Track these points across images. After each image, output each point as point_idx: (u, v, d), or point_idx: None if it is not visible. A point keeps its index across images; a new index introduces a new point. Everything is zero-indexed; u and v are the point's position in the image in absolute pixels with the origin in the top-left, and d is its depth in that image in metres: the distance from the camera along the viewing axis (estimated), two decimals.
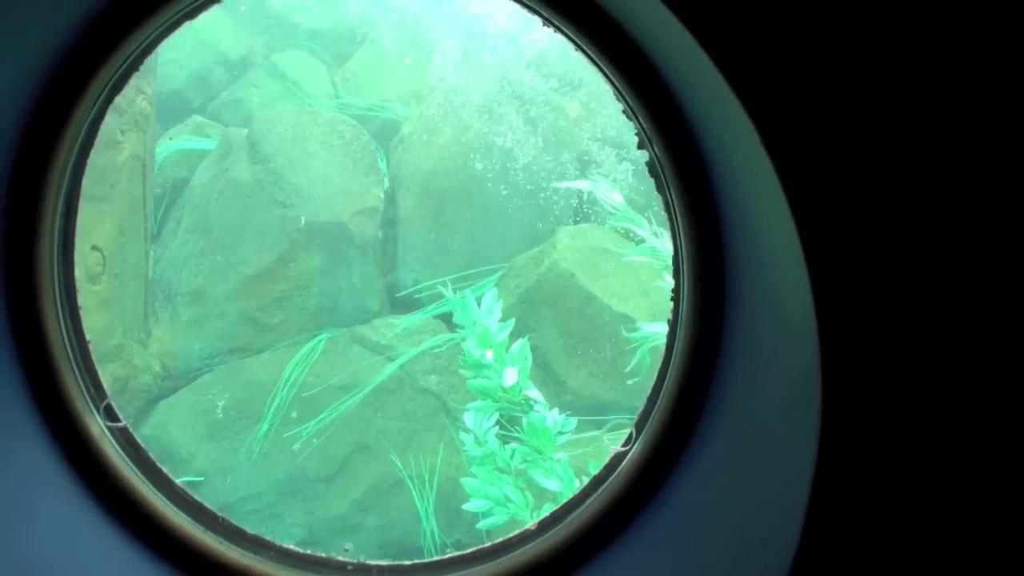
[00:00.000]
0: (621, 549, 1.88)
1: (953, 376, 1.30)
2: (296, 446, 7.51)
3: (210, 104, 9.39)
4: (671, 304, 1.95)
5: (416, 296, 8.21)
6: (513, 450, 6.66)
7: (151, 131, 7.21)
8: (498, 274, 8.24)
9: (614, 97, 1.87)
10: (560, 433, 6.66)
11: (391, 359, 7.83)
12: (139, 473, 1.94)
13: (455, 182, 8.32)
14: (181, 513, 1.95)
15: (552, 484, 6.46)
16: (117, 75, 1.89)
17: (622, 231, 7.76)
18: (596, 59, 1.82)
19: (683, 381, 1.87)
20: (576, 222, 8.57)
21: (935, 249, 1.28)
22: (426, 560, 1.99)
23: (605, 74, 1.83)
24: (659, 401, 1.92)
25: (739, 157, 1.52)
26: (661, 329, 6.66)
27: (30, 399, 1.83)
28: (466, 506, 6.60)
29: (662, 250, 6.94)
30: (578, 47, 1.83)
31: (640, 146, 1.89)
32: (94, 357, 1.98)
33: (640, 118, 1.82)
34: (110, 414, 1.96)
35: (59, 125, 1.80)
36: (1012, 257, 1.28)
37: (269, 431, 7.56)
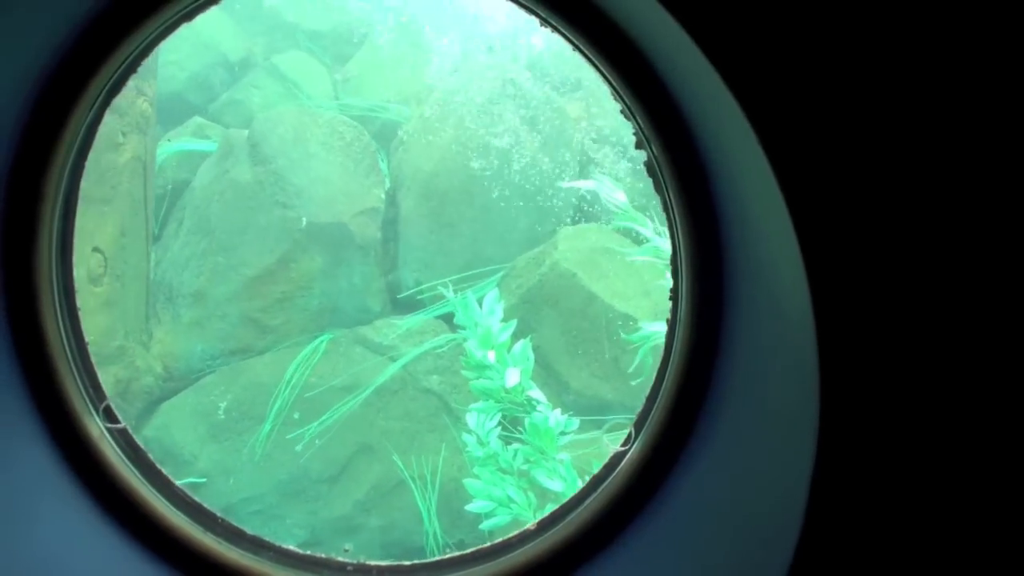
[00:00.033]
0: (620, 549, 1.88)
1: (951, 375, 1.30)
2: (299, 447, 7.51)
3: (211, 105, 9.39)
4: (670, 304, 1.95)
5: (418, 296, 8.21)
6: (516, 451, 6.66)
7: (152, 133, 7.22)
8: (499, 274, 8.24)
9: (612, 97, 1.87)
10: (563, 433, 6.66)
11: (393, 360, 7.83)
12: (138, 474, 1.94)
13: (456, 182, 8.32)
14: (180, 514, 1.95)
15: (555, 484, 6.46)
16: (116, 76, 1.89)
17: (626, 231, 7.75)
18: (593, 59, 1.82)
19: (682, 381, 1.87)
20: (577, 222, 8.57)
21: (932, 248, 1.28)
22: (426, 560, 1.99)
23: (603, 74, 1.83)
24: (658, 401, 1.92)
25: (736, 157, 1.52)
26: (663, 328, 6.65)
27: (29, 400, 1.83)
28: (469, 507, 6.60)
29: (665, 249, 6.93)
30: (575, 47, 1.83)
31: (638, 146, 1.89)
32: (93, 358, 1.98)
33: (638, 118, 1.82)
34: (109, 415, 1.96)
35: (58, 125, 1.80)
36: (1010, 257, 1.27)
37: (271, 432, 7.56)
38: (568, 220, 8.57)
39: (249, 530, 2.01)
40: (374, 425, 7.68)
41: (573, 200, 8.58)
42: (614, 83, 1.82)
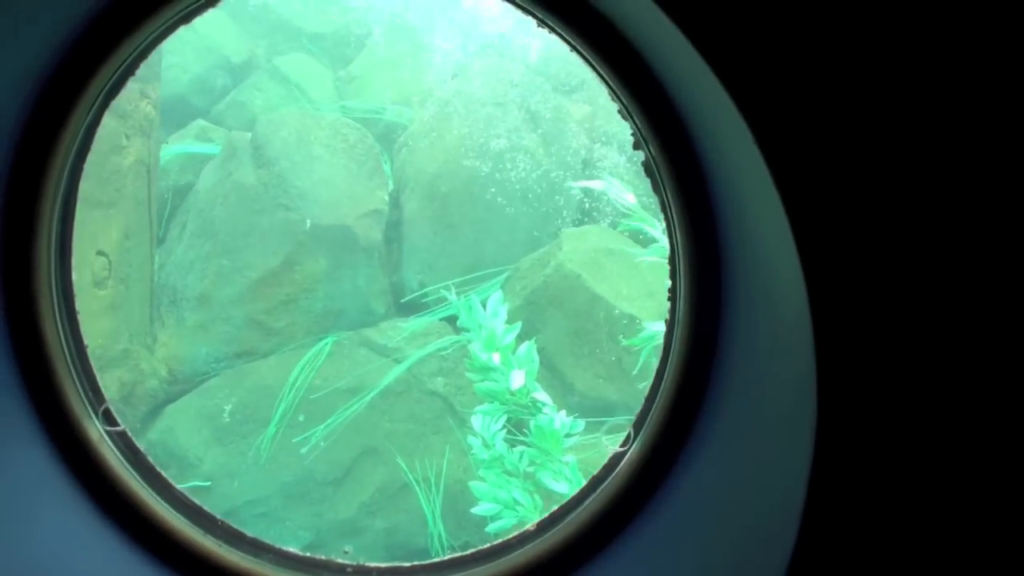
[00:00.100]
0: (620, 549, 1.88)
1: (947, 374, 1.30)
2: (304, 450, 7.52)
3: (213, 108, 9.41)
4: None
5: (422, 299, 8.22)
6: (521, 453, 6.66)
7: (156, 135, 7.23)
8: (503, 276, 8.24)
9: (609, 97, 1.87)
10: (568, 435, 6.66)
11: (397, 362, 7.84)
12: (138, 477, 1.94)
13: (459, 184, 8.33)
14: (180, 516, 1.95)
15: (561, 486, 6.46)
16: (115, 77, 1.89)
17: (629, 231, 7.75)
18: (591, 60, 1.82)
19: (680, 381, 1.86)
20: (581, 223, 8.57)
21: (929, 246, 1.28)
22: (425, 562, 1.99)
23: (600, 74, 1.83)
24: (657, 401, 1.92)
25: (733, 156, 1.52)
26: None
27: (28, 403, 1.83)
28: (474, 509, 6.59)
29: None
30: (572, 48, 1.83)
31: (636, 146, 1.89)
32: (92, 361, 1.98)
33: (635, 118, 1.82)
34: (108, 418, 1.96)
35: (57, 126, 1.80)
36: (1007, 257, 1.27)
37: (276, 435, 7.57)
38: (572, 221, 8.57)
39: (249, 532, 2.01)
40: (379, 427, 7.68)
41: (576, 201, 8.58)
42: (611, 83, 1.82)
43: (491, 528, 6.51)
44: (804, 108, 1.30)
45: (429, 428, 7.74)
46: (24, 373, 1.83)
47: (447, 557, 2.00)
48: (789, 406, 1.44)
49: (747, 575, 1.56)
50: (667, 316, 1.95)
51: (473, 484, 6.63)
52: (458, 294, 7.66)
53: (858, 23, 1.27)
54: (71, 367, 1.90)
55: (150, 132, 7.05)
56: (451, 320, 7.89)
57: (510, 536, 1.99)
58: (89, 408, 1.93)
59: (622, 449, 1.97)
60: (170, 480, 2.00)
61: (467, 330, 7.00)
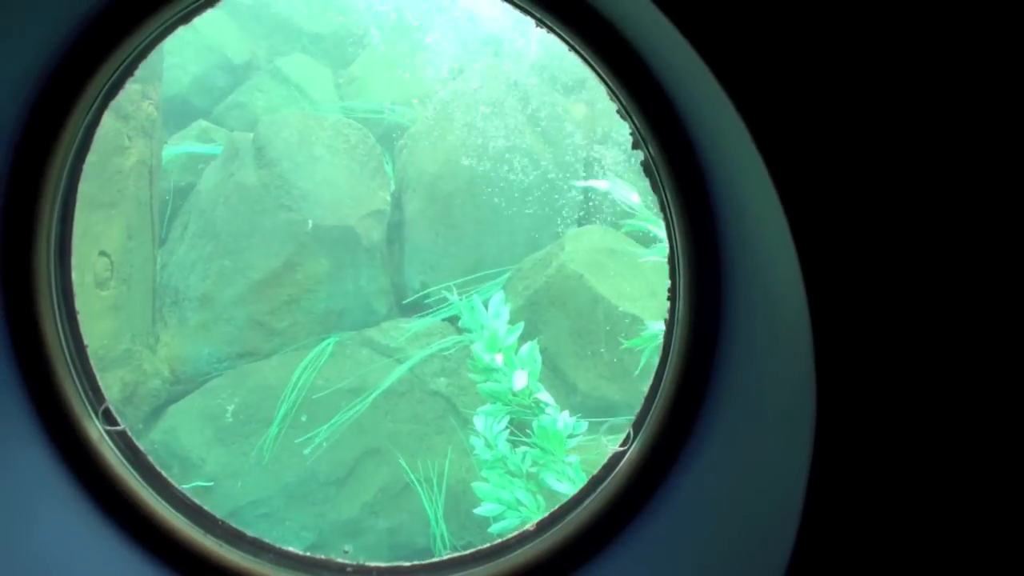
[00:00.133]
0: (619, 549, 1.88)
1: (946, 374, 1.29)
2: (307, 451, 7.52)
3: (214, 108, 9.42)
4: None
5: (424, 299, 8.22)
6: (524, 453, 6.65)
7: (158, 136, 7.24)
8: (505, 276, 8.24)
9: (608, 97, 1.87)
10: (571, 436, 6.65)
11: (400, 362, 7.84)
12: (138, 476, 1.95)
13: (461, 184, 8.33)
14: (180, 516, 1.95)
15: (564, 487, 6.46)
16: (115, 77, 1.89)
17: (631, 231, 7.74)
18: (589, 60, 1.82)
19: (680, 381, 1.86)
20: (583, 223, 8.57)
21: (927, 246, 1.28)
22: (425, 562, 1.99)
23: (598, 74, 1.83)
24: (656, 401, 1.92)
25: (732, 156, 1.51)
26: None
27: (28, 403, 1.83)
28: (477, 510, 6.59)
29: None
30: (571, 48, 1.83)
31: (635, 146, 1.89)
32: (93, 361, 1.98)
33: (634, 118, 1.82)
34: (108, 418, 1.96)
35: (57, 126, 1.80)
36: (1006, 257, 1.27)
37: (278, 435, 7.57)
38: (574, 221, 8.56)
39: (249, 532, 2.01)
40: (381, 428, 7.68)
41: (578, 201, 8.58)
42: (610, 83, 1.82)
43: (494, 529, 6.50)
44: (802, 108, 1.30)
45: (432, 428, 7.74)
46: (24, 373, 1.83)
47: (446, 557, 2.00)
48: (788, 406, 1.44)
49: (747, 575, 1.56)
50: (666, 316, 1.95)
51: (476, 485, 6.62)
52: (460, 294, 7.66)
53: (856, 23, 1.27)
54: (71, 367, 1.90)
55: (152, 133, 7.06)
56: (453, 320, 7.89)
57: (509, 536, 1.99)
58: (89, 408, 1.93)
59: (622, 449, 1.97)
60: (170, 480, 2.00)
61: (469, 330, 7.00)
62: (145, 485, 1.95)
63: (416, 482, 7.48)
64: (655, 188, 1.88)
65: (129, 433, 2.00)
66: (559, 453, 6.57)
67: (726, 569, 1.64)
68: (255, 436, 7.58)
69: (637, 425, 1.97)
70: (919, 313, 1.29)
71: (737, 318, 1.76)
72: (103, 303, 6.55)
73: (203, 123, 9.02)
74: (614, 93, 1.83)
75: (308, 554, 2.02)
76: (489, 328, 6.79)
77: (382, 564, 2.00)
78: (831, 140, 1.29)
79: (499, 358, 6.73)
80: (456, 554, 1.99)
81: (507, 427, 6.74)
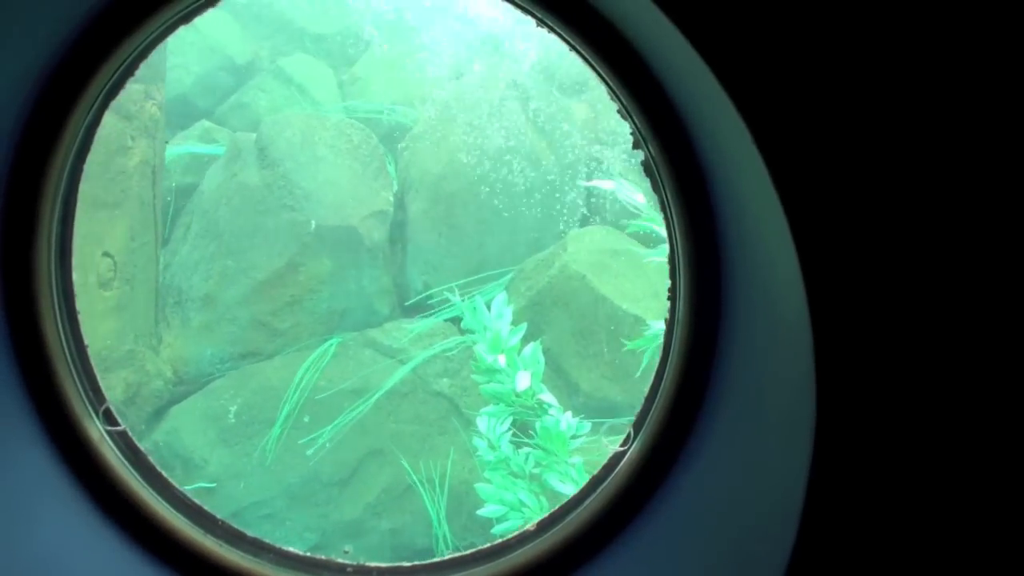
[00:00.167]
0: (620, 549, 1.88)
1: (945, 374, 1.29)
2: (310, 451, 7.52)
3: (217, 108, 9.43)
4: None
5: (427, 300, 8.22)
6: (527, 454, 6.64)
7: (160, 136, 7.25)
8: (508, 277, 8.24)
9: (608, 97, 1.87)
10: (574, 436, 6.64)
11: (402, 363, 7.84)
12: (138, 476, 1.95)
13: (464, 185, 8.33)
14: (180, 516, 1.95)
15: (567, 488, 6.45)
16: (115, 77, 1.89)
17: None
18: (590, 60, 1.82)
19: (680, 381, 1.86)
20: (585, 224, 8.56)
21: (928, 246, 1.28)
22: (425, 562, 1.99)
23: (599, 74, 1.83)
24: (656, 401, 1.92)
25: (733, 156, 1.51)
26: None
27: (29, 403, 1.83)
28: (480, 511, 6.58)
29: None
30: (572, 47, 1.83)
31: (635, 146, 1.89)
32: (94, 361, 1.98)
33: (635, 118, 1.82)
34: (109, 418, 1.96)
35: (57, 126, 1.80)
36: (1006, 256, 1.27)
37: (281, 436, 7.57)
38: (576, 222, 8.56)
39: (249, 532, 2.01)
40: (384, 428, 7.68)
41: (581, 202, 8.57)
42: (610, 83, 1.82)
43: (497, 530, 6.49)
44: (802, 108, 1.30)
45: (434, 429, 7.73)
46: (24, 373, 1.83)
47: (447, 557, 2.00)
48: (788, 406, 1.44)
49: (747, 575, 1.55)
50: (667, 316, 1.95)
51: (479, 486, 6.62)
52: (463, 295, 7.66)
53: (856, 23, 1.27)
54: (71, 367, 1.90)
55: (155, 133, 7.07)
56: (456, 321, 7.89)
57: (510, 536, 1.99)
58: (90, 408, 1.93)
59: (622, 449, 1.97)
60: (170, 480, 2.00)
61: (472, 331, 6.99)
62: (145, 485, 1.95)
63: (419, 483, 7.48)
64: (655, 188, 1.87)
65: (129, 433, 2.00)
66: (562, 454, 6.56)
67: (726, 569, 1.64)
68: (258, 437, 7.58)
69: (637, 425, 1.96)
70: (919, 313, 1.29)
71: (737, 318, 1.76)
72: (106, 304, 6.56)
73: (206, 123, 9.04)
74: (615, 93, 1.83)
75: (308, 554, 2.02)
76: (492, 329, 6.78)
77: (382, 564, 2.00)
78: (831, 140, 1.29)
79: (502, 359, 6.72)
80: (456, 554, 1.99)
81: (510, 428, 6.73)
